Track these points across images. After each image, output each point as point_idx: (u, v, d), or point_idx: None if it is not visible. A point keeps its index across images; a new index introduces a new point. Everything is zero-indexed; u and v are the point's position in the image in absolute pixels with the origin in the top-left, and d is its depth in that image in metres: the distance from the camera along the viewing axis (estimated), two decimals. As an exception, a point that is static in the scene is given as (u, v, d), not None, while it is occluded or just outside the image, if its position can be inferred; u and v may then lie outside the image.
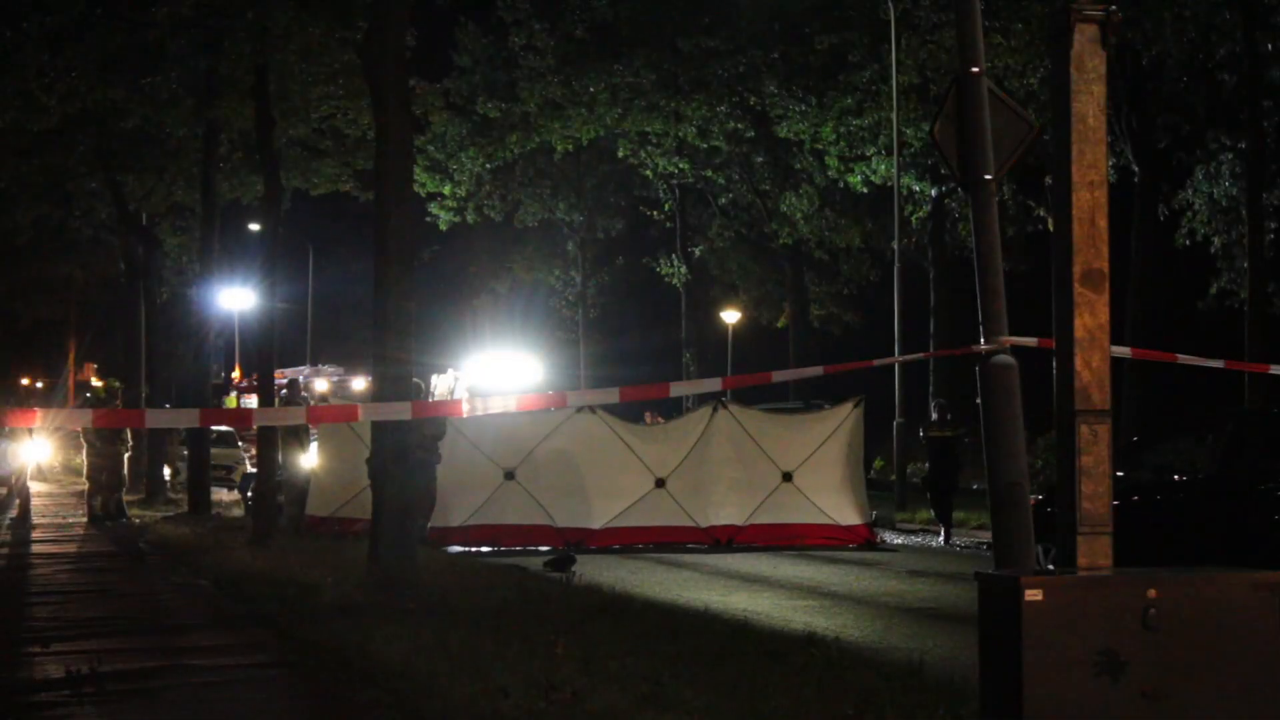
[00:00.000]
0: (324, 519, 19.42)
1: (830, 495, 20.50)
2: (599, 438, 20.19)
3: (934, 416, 22.22)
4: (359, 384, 37.98)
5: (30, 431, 24.36)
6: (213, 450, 28.00)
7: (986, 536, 18.17)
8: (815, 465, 20.59)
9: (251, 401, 37.75)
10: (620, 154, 41.17)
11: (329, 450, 20.08)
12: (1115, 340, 6.84)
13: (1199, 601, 5.79)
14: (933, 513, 22.21)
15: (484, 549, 18.98)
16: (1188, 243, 32.74)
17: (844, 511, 20.48)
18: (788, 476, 20.54)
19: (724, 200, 44.47)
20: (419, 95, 25.16)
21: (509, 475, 19.78)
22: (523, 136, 40.17)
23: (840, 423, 20.93)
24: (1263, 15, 28.26)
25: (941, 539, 21.32)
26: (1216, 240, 32.19)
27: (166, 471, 32.19)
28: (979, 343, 7.97)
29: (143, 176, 30.06)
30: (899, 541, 21.41)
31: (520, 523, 19.58)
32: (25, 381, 61.34)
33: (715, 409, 20.68)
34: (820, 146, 36.51)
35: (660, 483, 20.20)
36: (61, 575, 15.22)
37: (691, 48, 37.51)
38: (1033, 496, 9.32)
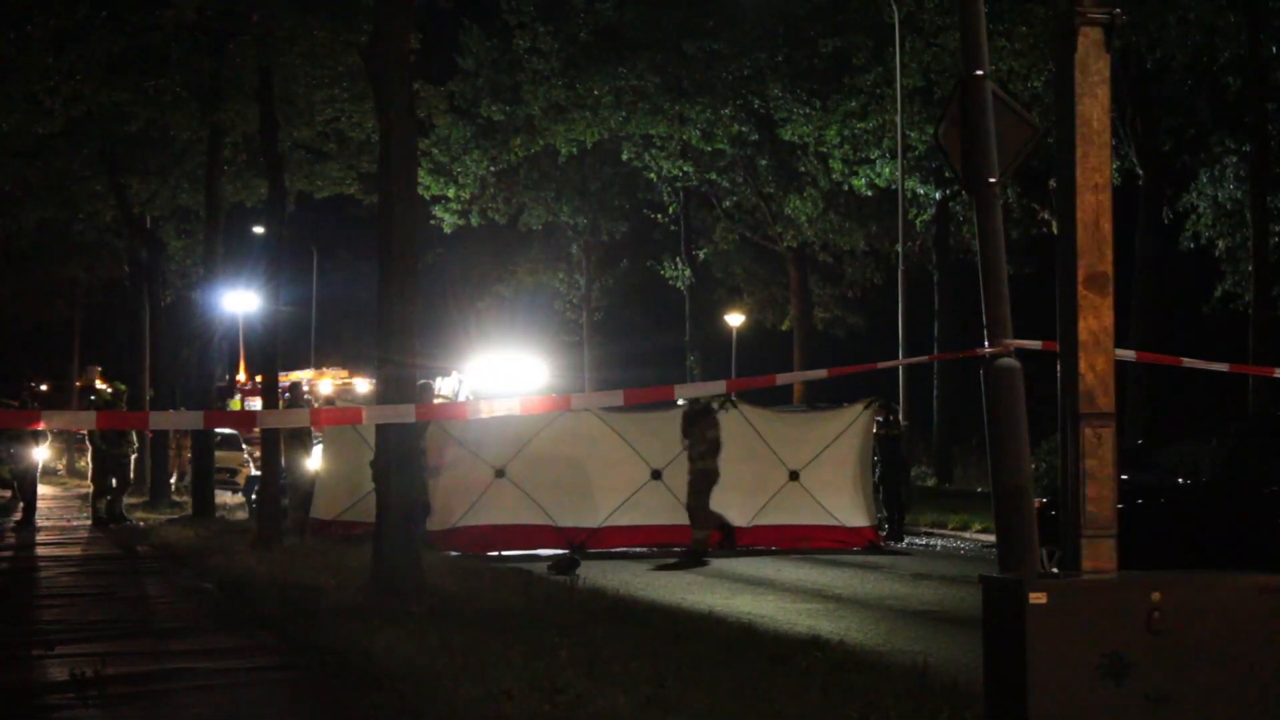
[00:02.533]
0: (328, 522, 19.39)
1: (837, 496, 20.40)
2: (592, 431, 19.93)
3: (878, 416, 21.78)
4: (363, 386, 37.98)
5: (36, 437, 24.37)
6: (217, 453, 28.01)
7: (990, 539, 18.16)
8: (823, 464, 20.46)
9: (255, 404, 37.76)
10: (624, 157, 41.16)
11: (333, 453, 20.03)
12: (1119, 343, 6.83)
13: (1204, 605, 5.79)
14: (883, 511, 21.71)
15: (489, 553, 18.89)
16: (1192, 246, 32.74)
17: (850, 513, 20.39)
18: (794, 475, 20.45)
19: (728, 203, 44.48)
20: (423, 98, 25.15)
21: (499, 474, 19.63)
22: (527, 139, 40.18)
23: (851, 423, 20.80)
24: (1267, 18, 28.26)
25: (889, 535, 21.16)
26: (1221, 243, 32.20)
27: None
28: (983, 346, 7.97)
29: (147, 179, 30.09)
30: (903, 544, 21.37)
31: (519, 523, 19.44)
32: (37, 385, 61.35)
33: (721, 406, 20.48)
34: (824, 149, 36.53)
35: (656, 474, 20.03)
36: (65, 578, 15.23)
37: (696, 51, 37.52)
38: (1037, 500, 9.32)
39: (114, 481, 23.82)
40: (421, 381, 23.19)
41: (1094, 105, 6.48)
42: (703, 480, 18.93)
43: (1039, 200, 34.86)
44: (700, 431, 19.06)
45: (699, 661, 8.62)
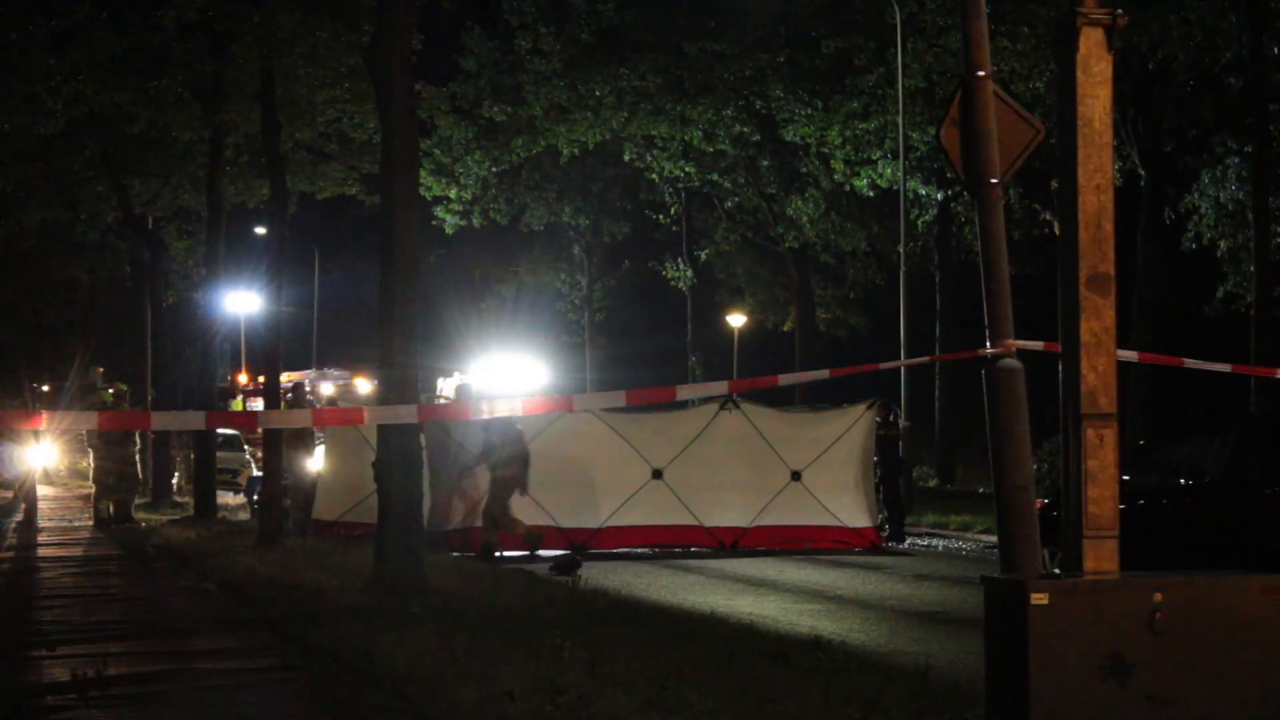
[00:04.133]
0: (330, 523, 19.38)
1: (839, 496, 20.38)
2: (591, 431, 19.82)
3: (878, 417, 21.74)
4: (365, 387, 38.00)
5: (36, 435, 24.35)
6: (219, 454, 28.01)
7: (992, 539, 18.15)
8: (825, 464, 20.44)
9: (257, 405, 37.77)
10: (626, 157, 41.19)
11: (335, 454, 20.01)
12: (1121, 344, 6.83)
13: (1205, 605, 5.79)
14: (884, 511, 21.66)
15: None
16: (1194, 246, 32.74)
17: (852, 513, 20.37)
18: (796, 475, 20.41)
19: (730, 204, 44.49)
20: (425, 99, 25.15)
21: None
22: (528, 140, 40.21)
23: (853, 423, 20.77)
24: (1268, 19, 28.27)
25: (890, 536, 21.13)
26: (1223, 244, 32.19)
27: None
28: (985, 346, 7.97)
29: (149, 180, 30.10)
30: (905, 545, 21.37)
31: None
32: (39, 385, 61.35)
33: (723, 406, 20.43)
34: (826, 150, 36.55)
35: (657, 474, 19.99)
36: (67, 579, 15.22)
37: (697, 51, 37.54)
38: (1039, 500, 9.31)
39: (112, 480, 23.77)
40: (468, 383, 23.13)
41: (1096, 106, 6.48)
42: (503, 488, 18.14)
43: (1041, 201, 34.84)
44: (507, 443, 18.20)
45: (701, 662, 8.61)
